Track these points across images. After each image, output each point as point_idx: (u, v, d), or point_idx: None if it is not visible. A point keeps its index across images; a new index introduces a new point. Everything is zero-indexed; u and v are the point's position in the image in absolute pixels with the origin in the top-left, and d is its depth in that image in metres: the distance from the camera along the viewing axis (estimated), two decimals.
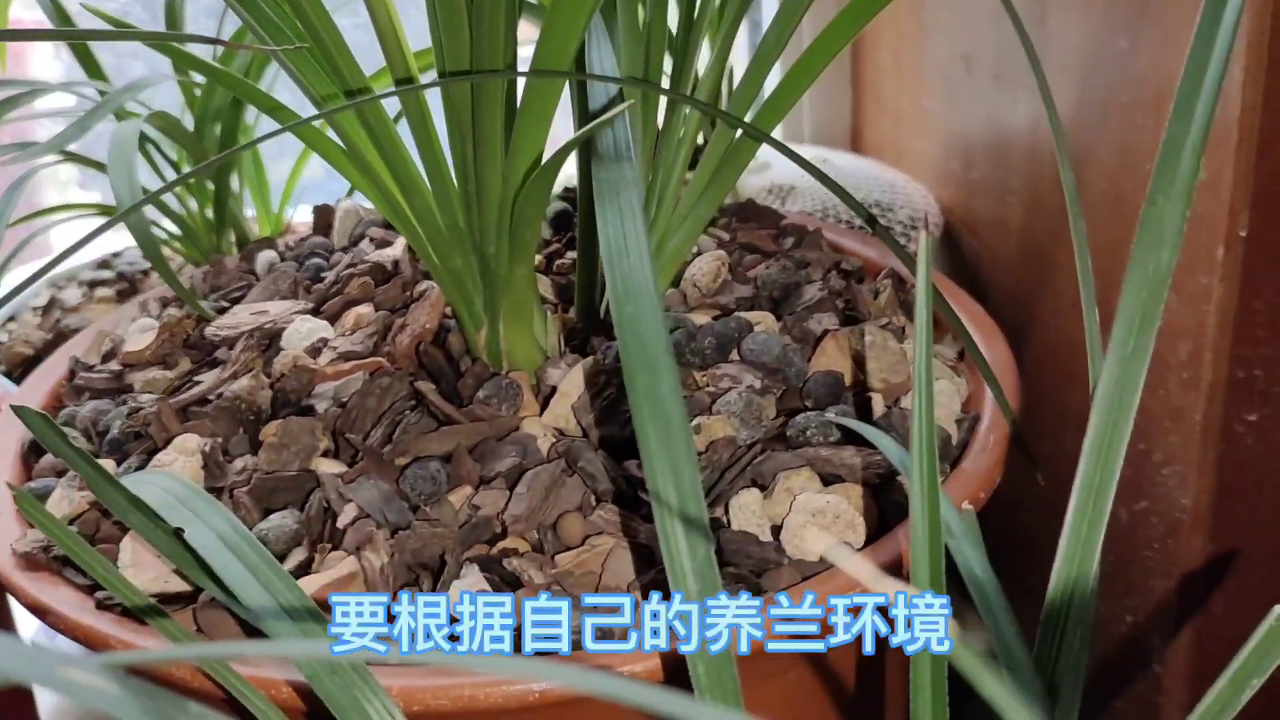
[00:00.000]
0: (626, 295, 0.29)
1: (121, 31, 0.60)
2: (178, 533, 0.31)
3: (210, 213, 0.72)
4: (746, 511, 0.37)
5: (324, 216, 0.61)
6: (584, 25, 0.35)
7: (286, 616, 0.28)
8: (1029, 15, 0.63)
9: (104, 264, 0.81)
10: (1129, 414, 0.25)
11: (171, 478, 0.33)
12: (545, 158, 0.38)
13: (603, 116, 0.34)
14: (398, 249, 0.50)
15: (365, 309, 0.46)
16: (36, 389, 0.49)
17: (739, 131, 0.44)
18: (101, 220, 0.77)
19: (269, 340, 0.45)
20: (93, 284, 0.77)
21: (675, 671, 0.30)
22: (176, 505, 0.31)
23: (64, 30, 0.66)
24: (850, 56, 0.91)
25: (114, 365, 0.49)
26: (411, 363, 0.43)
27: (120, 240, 0.85)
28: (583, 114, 0.43)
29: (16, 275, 0.80)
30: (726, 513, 0.37)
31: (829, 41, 0.41)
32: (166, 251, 0.82)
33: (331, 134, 0.42)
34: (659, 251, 0.48)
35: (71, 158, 0.67)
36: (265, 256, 0.57)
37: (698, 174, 0.47)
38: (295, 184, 0.76)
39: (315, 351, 0.44)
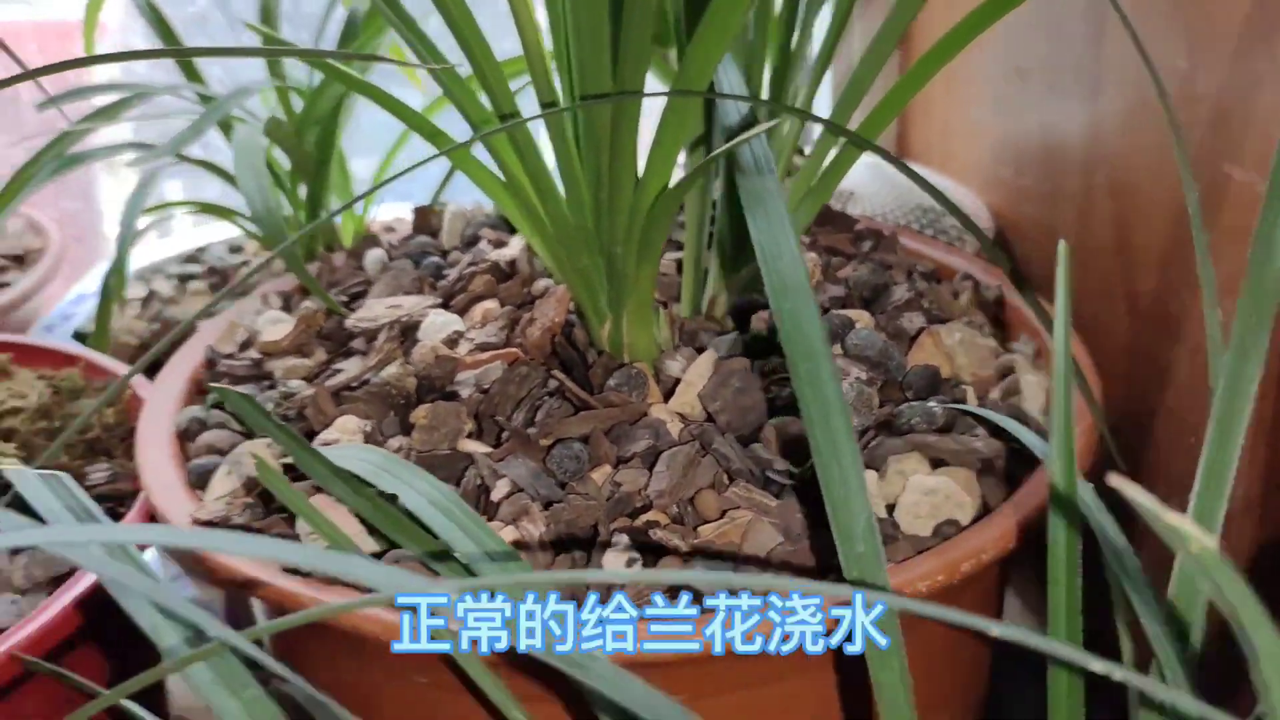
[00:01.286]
0: (784, 292, 0.33)
1: (275, 50, 0.64)
2: (388, 498, 0.35)
3: (302, 214, 0.76)
4: None
5: (425, 217, 0.65)
6: (725, 49, 0.39)
7: (495, 565, 0.32)
8: (1085, 32, 0.67)
9: (191, 258, 0.85)
10: (1245, 409, 0.29)
11: (368, 449, 0.37)
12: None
13: (746, 134, 0.38)
14: (514, 249, 0.54)
15: (491, 304, 0.50)
16: (177, 375, 0.53)
17: (840, 142, 0.48)
18: (200, 216, 0.80)
19: (408, 331, 0.49)
20: (183, 277, 0.81)
21: None
22: (381, 473, 0.35)
23: (209, 49, 0.69)
24: (898, 68, 0.95)
25: (253, 354, 0.53)
26: (542, 353, 0.47)
27: (206, 235, 0.89)
28: (705, 127, 0.47)
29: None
30: None
31: (936, 56, 0.45)
32: (251, 247, 0.86)
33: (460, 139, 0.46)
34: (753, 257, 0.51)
35: (183, 159, 0.71)
36: (374, 254, 0.61)
37: (798, 181, 0.51)
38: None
39: (451, 342, 0.48)
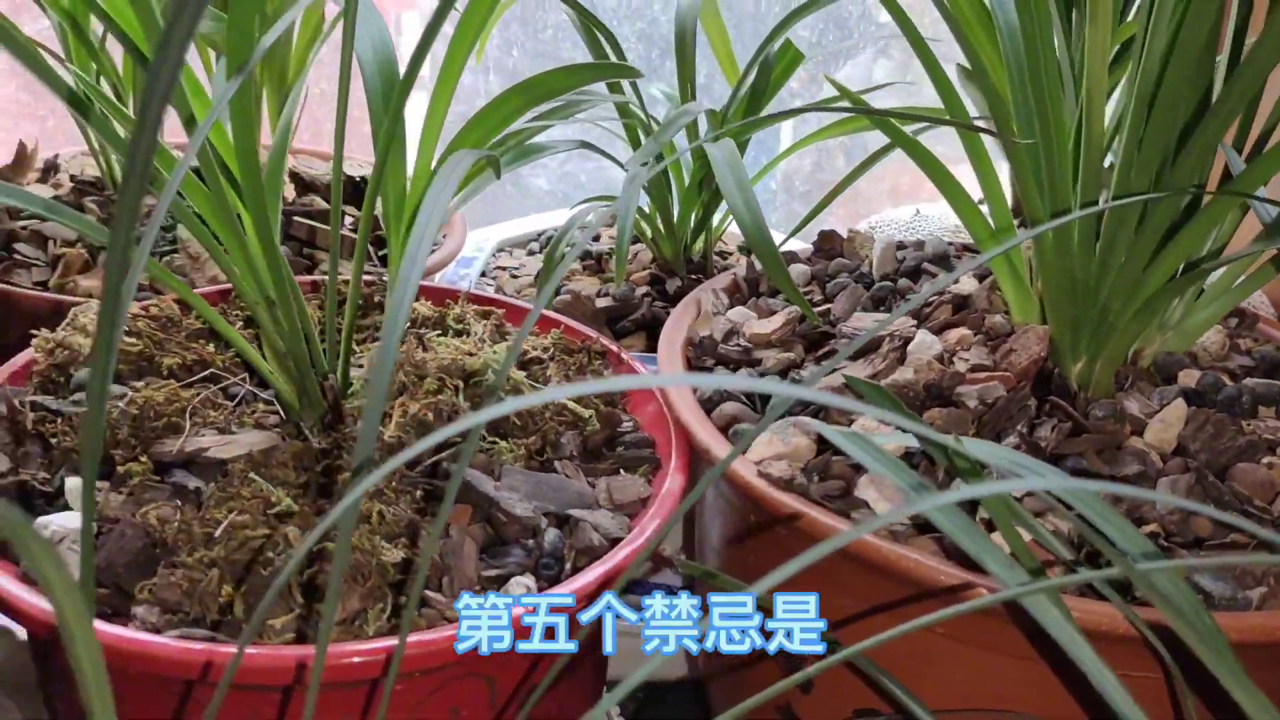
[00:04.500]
0: None
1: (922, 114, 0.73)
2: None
3: (674, 220, 0.86)
4: None
5: (829, 240, 0.75)
6: None
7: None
8: None
9: (551, 240, 0.95)
10: None
11: (989, 445, 0.47)
12: None
13: None
14: (967, 285, 0.64)
15: (964, 331, 0.60)
16: (673, 351, 0.63)
17: None
18: (600, 206, 0.90)
19: (904, 344, 0.59)
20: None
21: None
22: (1017, 466, 0.45)
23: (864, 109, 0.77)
24: None
25: (742, 342, 0.63)
26: (1026, 380, 0.56)
27: (553, 220, 1.00)
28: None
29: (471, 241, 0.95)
30: None
31: None
32: (606, 234, 0.96)
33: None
34: (1183, 322, 0.61)
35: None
36: (798, 269, 0.71)
37: (1233, 267, 0.60)
38: None
39: (942, 359, 0.57)
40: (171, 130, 0.84)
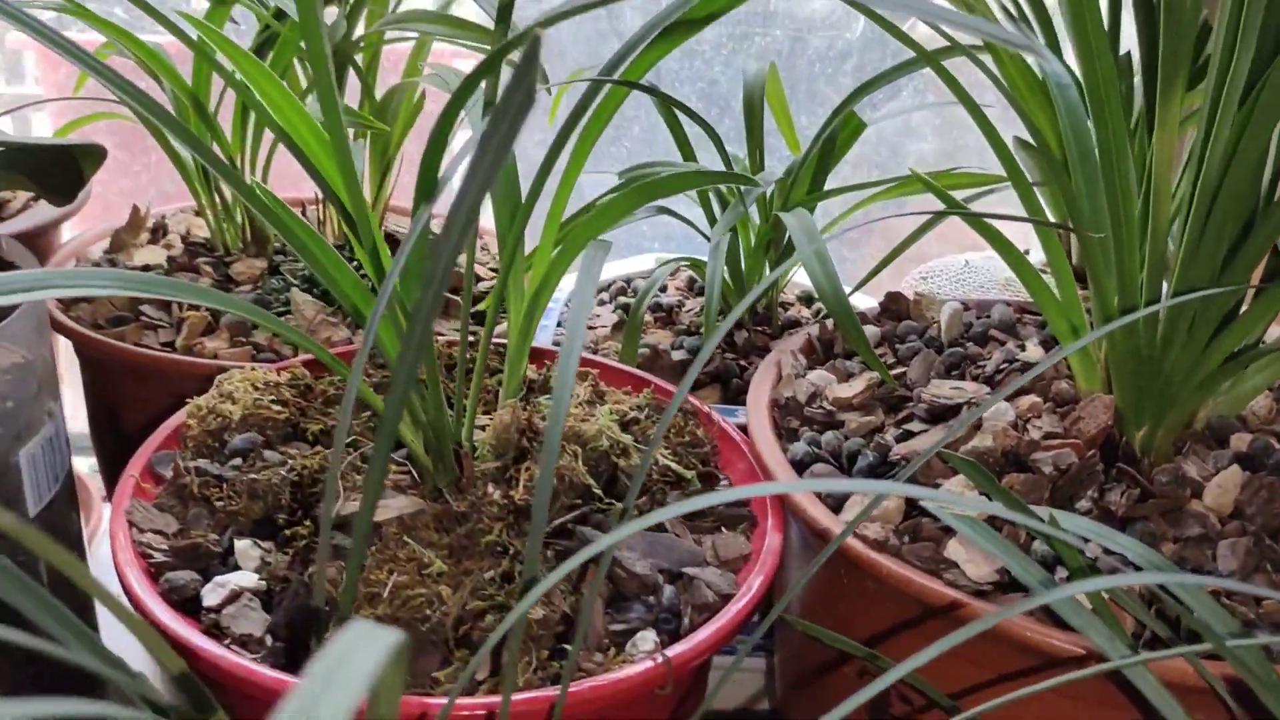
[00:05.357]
0: None
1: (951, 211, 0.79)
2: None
3: (743, 277, 0.91)
4: None
5: (896, 301, 0.81)
6: None
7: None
8: None
9: (621, 290, 1.01)
10: None
11: (1074, 518, 0.52)
12: None
13: None
14: (1033, 352, 0.69)
15: (1034, 398, 0.65)
16: (759, 412, 0.68)
17: None
18: (683, 266, 0.96)
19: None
20: (624, 308, 0.97)
21: None
22: (1095, 534, 0.50)
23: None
24: None
25: (825, 405, 0.68)
26: (1094, 447, 0.61)
27: (622, 269, 1.05)
28: None
29: None
30: None
31: None
32: (674, 284, 1.01)
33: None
34: (1234, 388, 0.66)
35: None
36: (868, 330, 0.76)
37: None
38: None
39: (1016, 426, 0.63)
40: (280, 182, 0.90)
